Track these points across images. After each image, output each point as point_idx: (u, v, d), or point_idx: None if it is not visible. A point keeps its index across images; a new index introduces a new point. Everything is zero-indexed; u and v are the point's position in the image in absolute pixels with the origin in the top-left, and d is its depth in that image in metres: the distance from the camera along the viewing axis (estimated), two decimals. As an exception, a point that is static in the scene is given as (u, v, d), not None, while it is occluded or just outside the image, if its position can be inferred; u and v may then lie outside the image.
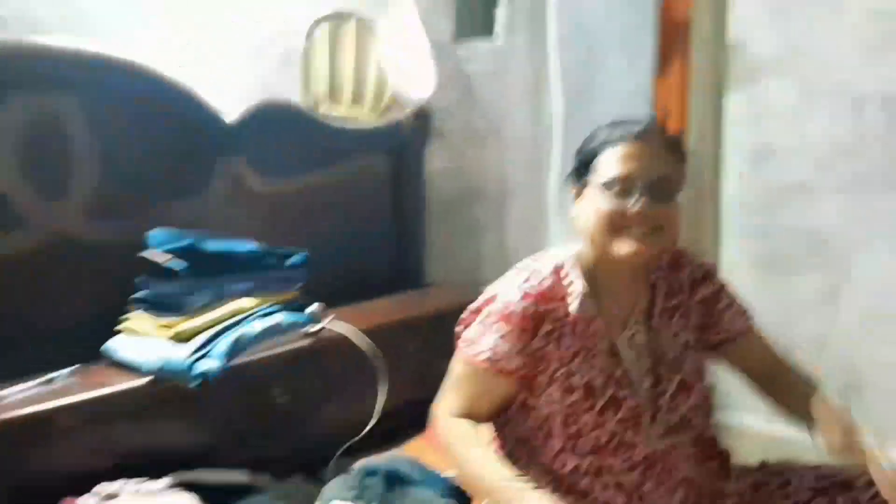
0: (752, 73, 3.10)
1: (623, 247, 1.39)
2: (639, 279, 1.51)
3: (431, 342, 2.28)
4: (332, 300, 2.20)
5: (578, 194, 1.48)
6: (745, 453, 1.68)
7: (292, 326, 2.04)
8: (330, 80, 2.38)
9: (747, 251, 2.95)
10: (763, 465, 1.59)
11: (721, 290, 1.58)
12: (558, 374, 1.45)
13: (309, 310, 2.09)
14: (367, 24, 2.44)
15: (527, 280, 1.46)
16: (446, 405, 1.49)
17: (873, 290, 2.81)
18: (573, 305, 1.46)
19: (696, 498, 1.49)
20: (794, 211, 2.91)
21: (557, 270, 1.48)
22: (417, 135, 2.48)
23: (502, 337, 1.44)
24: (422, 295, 2.46)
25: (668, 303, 1.53)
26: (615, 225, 1.39)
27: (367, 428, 2.04)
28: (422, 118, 2.47)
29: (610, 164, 1.41)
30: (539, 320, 1.44)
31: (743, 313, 1.58)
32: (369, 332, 2.08)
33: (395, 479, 1.79)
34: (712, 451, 1.55)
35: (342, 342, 2.07)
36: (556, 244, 2.73)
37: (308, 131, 2.26)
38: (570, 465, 1.45)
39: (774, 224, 2.97)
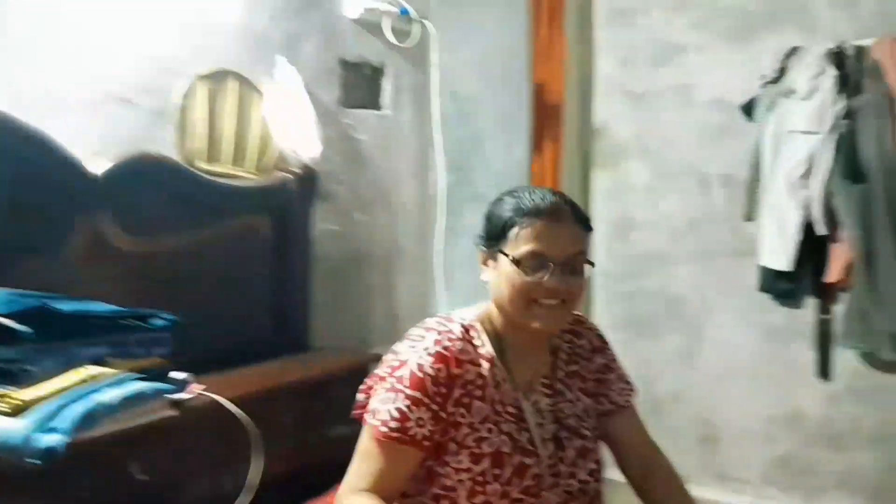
0: (615, 155, 3.25)
1: (534, 321, 1.34)
2: (542, 344, 1.45)
3: (313, 409, 2.02)
4: (209, 366, 1.96)
5: (488, 259, 1.40)
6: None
7: (155, 395, 1.74)
8: (209, 137, 2.12)
9: (613, 314, 3.03)
10: None
11: (614, 360, 1.54)
12: (468, 440, 1.34)
13: (173, 376, 1.77)
14: (249, 84, 2.21)
15: (437, 342, 1.35)
16: (350, 482, 1.34)
17: (723, 348, 2.94)
18: (483, 369, 1.37)
19: None
20: (653, 278, 3.03)
21: (467, 332, 1.38)
22: (303, 196, 2.31)
23: (413, 404, 1.31)
24: (305, 360, 2.20)
25: (570, 368, 1.48)
26: (527, 298, 1.34)
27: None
28: (308, 179, 2.31)
29: (524, 239, 1.34)
30: (451, 385, 1.33)
31: (628, 388, 1.53)
32: (244, 400, 1.86)
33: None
34: None
35: (212, 412, 1.81)
36: (442, 309, 2.64)
37: (185, 187, 2.04)
38: None
39: (637, 290, 3.07)
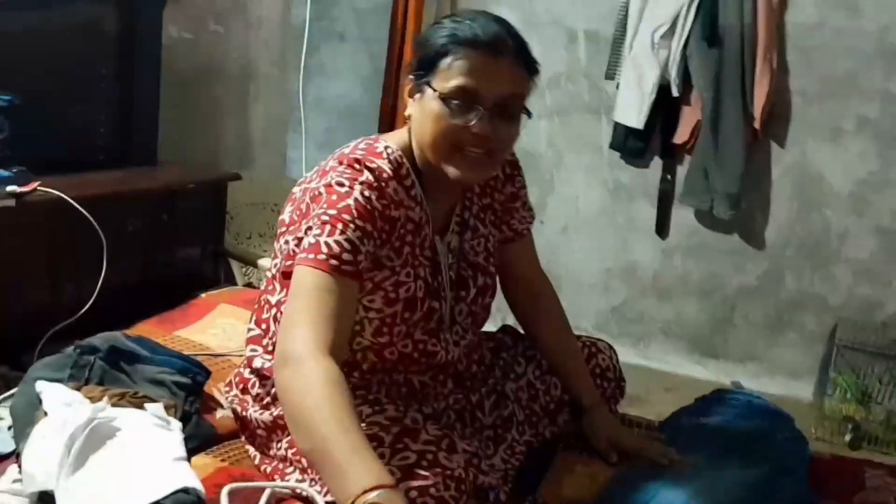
0: (478, 1, 3.22)
1: (454, 170, 1.26)
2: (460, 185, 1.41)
3: (161, 221, 2.02)
4: (45, 169, 1.91)
5: (415, 91, 1.30)
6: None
7: None
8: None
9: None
10: (505, 329, 1.67)
11: (523, 187, 1.55)
12: (386, 283, 1.30)
13: (16, 168, 1.71)
14: None
15: (377, 178, 1.25)
16: (307, 337, 1.14)
17: (571, 203, 3.16)
18: (414, 213, 1.32)
19: (462, 389, 1.49)
20: None
21: (399, 169, 1.30)
22: None
23: (364, 236, 1.21)
24: (153, 171, 2.15)
25: (483, 201, 1.48)
26: (450, 143, 1.25)
27: (85, 308, 1.73)
28: None
29: (455, 72, 1.23)
30: (392, 225, 1.28)
31: (530, 213, 1.57)
32: (88, 203, 1.83)
33: (119, 356, 1.53)
34: (478, 339, 1.55)
35: (53, 212, 1.75)
36: (300, 138, 2.63)
37: None
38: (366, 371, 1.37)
39: None
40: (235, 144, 2.67)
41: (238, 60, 2.60)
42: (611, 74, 2.98)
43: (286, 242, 1.31)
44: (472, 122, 1.22)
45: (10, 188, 1.71)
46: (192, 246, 2.18)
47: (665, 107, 2.87)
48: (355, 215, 1.20)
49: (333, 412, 1.06)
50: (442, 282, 1.39)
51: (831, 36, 2.69)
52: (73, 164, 2.03)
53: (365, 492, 0.98)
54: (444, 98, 1.23)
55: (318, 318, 1.15)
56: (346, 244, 1.19)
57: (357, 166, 1.25)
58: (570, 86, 3.04)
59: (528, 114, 1.29)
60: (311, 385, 1.09)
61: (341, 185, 1.23)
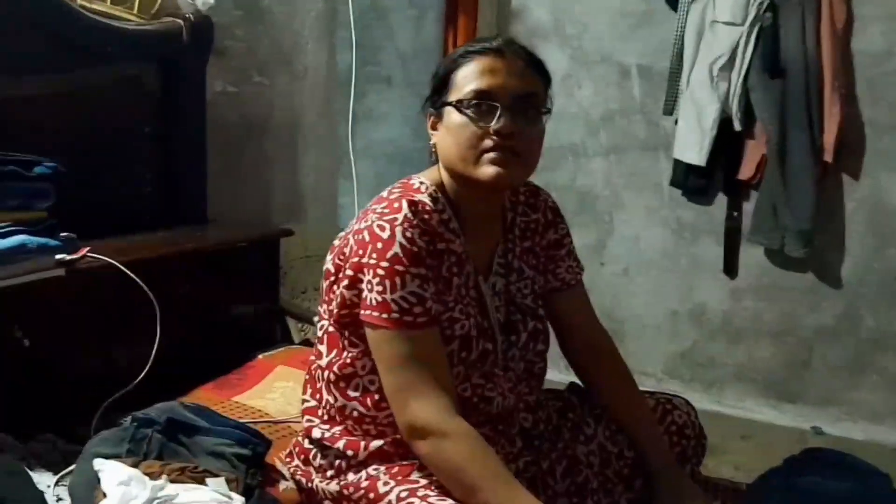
0: (530, 39, 3.27)
1: (484, 170, 1.29)
2: (497, 217, 1.45)
3: (213, 281, 2.04)
4: (93, 232, 1.92)
5: (436, 121, 1.36)
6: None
7: (39, 250, 1.70)
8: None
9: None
10: (570, 387, 1.64)
11: (567, 235, 1.56)
12: (443, 318, 1.33)
13: (63, 235, 1.74)
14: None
15: (416, 214, 1.29)
16: (429, 407, 1.25)
17: (632, 243, 3.13)
18: (456, 245, 1.36)
19: (531, 450, 1.47)
20: (566, 172, 3.14)
21: (436, 203, 1.34)
22: (196, 47, 2.22)
23: (423, 282, 1.28)
24: (202, 230, 2.18)
25: (524, 244, 1.49)
26: (475, 146, 1.28)
27: (141, 376, 1.74)
28: (201, 29, 2.22)
29: (468, 79, 1.30)
30: (440, 258, 1.33)
31: (578, 265, 1.57)
32: (137, 267, 1.86)
33: (177, 429, 1.53)
34: (539, 393, 1.54)
35: (102, 278, 1.78)
36: (350, 185, 2.64)
37: (55, 23, 1.94)
38: None
39: (549, 184, 3.09)
40: (286, 197, 2.68)
41: (284, 111, 2.63)
42: (669, 110, 2.95)
43: (339, 288, 1.32)
44: (492, 123, 1.27)
45: (59, 257, 1.73)
46: (246, 305, 2.18)
47: (728, 141, 2.84)
48: (407, 264, 1.25)
49: (495, 476, 1.22)
50: (491, 323, 1.40)
51: (901, 64, 2.64)
52: (121, 226, 2.05)
53: None
54: (463, 105, 1.29)
55: (427, 383, 1.25)
56: (411, 297, 1.25)
57: (396, 204, 1.30)
58: (625, 123, 3.03)
59: (548, 111, 1.34)
60: (462, 454, 1.23)
61: (382, 228, 1.27)
